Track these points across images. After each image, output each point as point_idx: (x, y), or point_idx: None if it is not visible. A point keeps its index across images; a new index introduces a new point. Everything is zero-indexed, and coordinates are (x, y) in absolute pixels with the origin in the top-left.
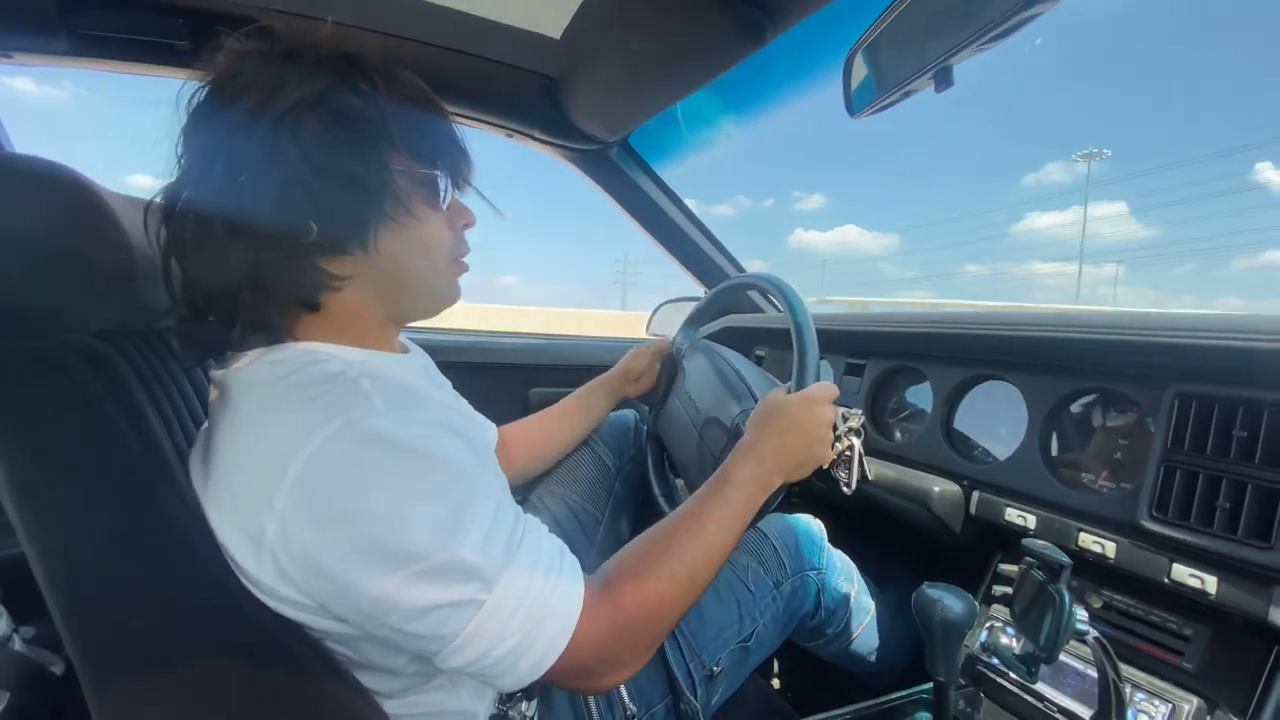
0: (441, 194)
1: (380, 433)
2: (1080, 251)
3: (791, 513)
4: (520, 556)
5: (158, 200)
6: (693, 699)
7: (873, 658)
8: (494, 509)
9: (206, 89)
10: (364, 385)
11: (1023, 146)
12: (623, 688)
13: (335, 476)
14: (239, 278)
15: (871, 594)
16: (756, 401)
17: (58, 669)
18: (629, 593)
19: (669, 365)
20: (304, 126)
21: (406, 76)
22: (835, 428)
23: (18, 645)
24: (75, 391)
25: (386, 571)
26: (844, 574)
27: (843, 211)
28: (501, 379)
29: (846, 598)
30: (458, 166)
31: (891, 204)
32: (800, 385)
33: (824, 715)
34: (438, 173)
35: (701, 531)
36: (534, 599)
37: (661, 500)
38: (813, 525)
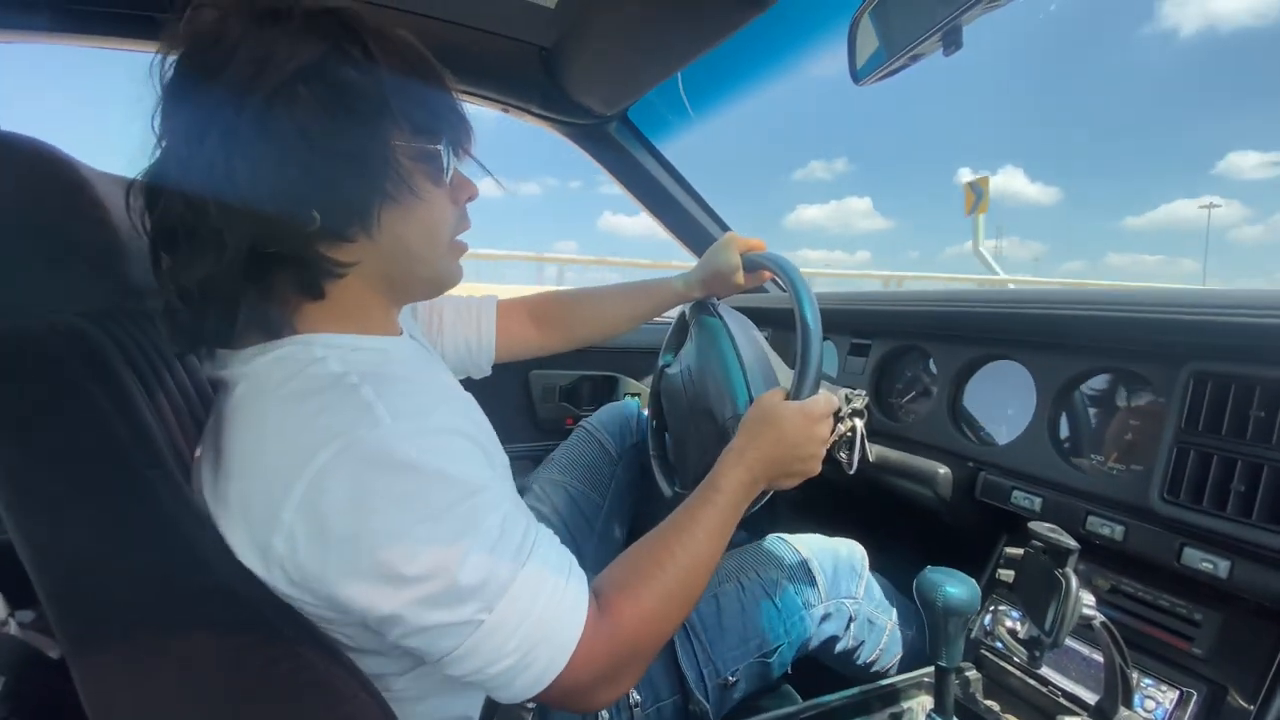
0: (445, 168)
1: (383, 452)
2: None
3: (826, 531)
4: (525, 574)
5: (140, 182)
6: (703, 700)
7: (894, 671)
8: (499, 523)
9: (185, 57)
10: (366, 395)
11: (793, 147)
12: None
13: (338, 500)
14: (236, 268)
15: (910, 620)
16: (752, 400)
17: (54, 653)
18: (626, 609)
19: (679, 324)
20: (299, 102)
21: (401, 37)
22: (838, 410)
23: (14, 629)
24: (58, 375)
25: (389, 593)
26: (882, 606)
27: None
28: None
29: (882, 629)
30: (458, 136)
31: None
32: (799, 394)
33: (826, 698)
34: (440, 146)
35: (692, 541)
36: (535, 619)
37: (662, 480)
38: (855, 551)
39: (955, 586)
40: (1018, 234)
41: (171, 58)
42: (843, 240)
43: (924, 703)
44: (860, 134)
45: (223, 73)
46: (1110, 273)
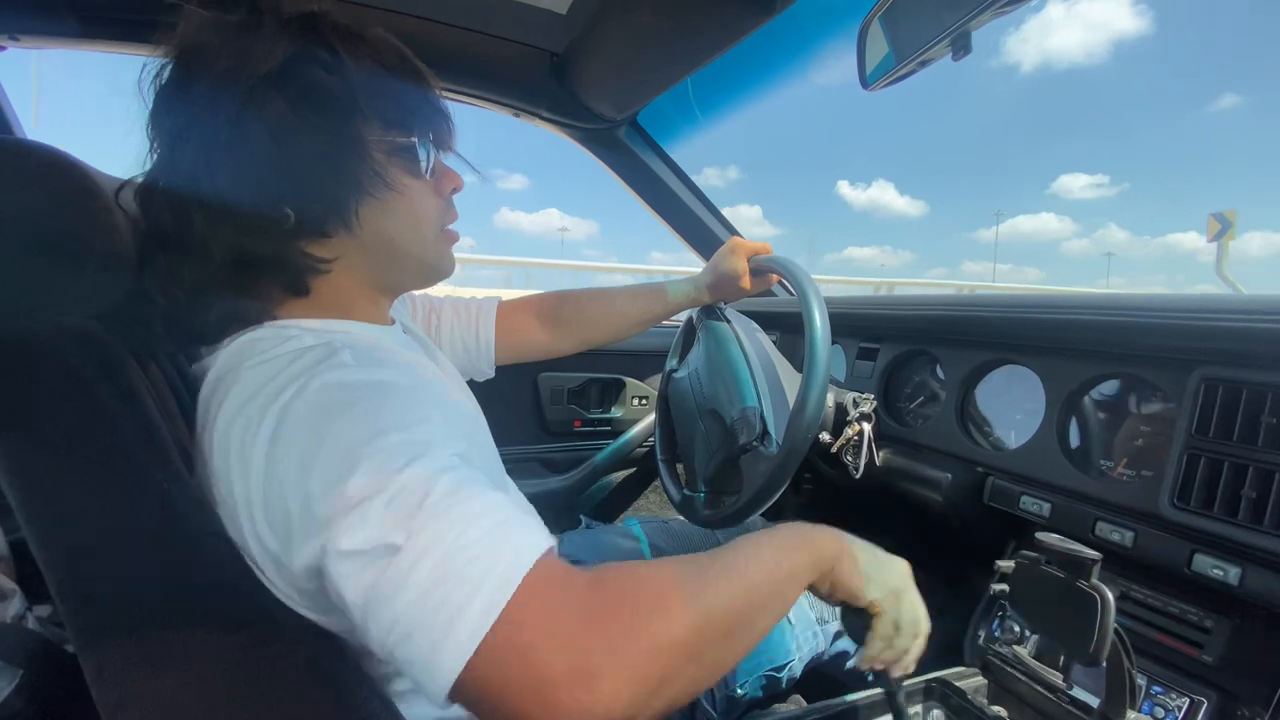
0: (422, 161)
1: (344, 380)
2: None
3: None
4: (460, 504)
5: (136, 186)
6: (710, 709)
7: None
8: (448, 458)
9: (172, 64)
10: (336, 346)
11: (691, 152)
12: None
13: (299, 422)
14: (221, 272)
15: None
16: (759, 404)
17: (71, 647)
18: (624, 583)
19: (687, 329)
20: (269, 105)
21: (375, 36)
22: (847, 412)
23: (31, 624)
24: (68, 375)
25: (331, 516)
26: None
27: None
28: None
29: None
30: (437, 130)
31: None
32: (806, 399)
33: (830, 701)
34: (415, 139)
35: (744, 569)
36: (459, 550)
37: (670, 485)
38: None
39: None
40: (889, 244)
41: (160, 63)
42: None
43: (931, 707)
44: (750, 143)
45: (202, 79)
46: (968, 278)
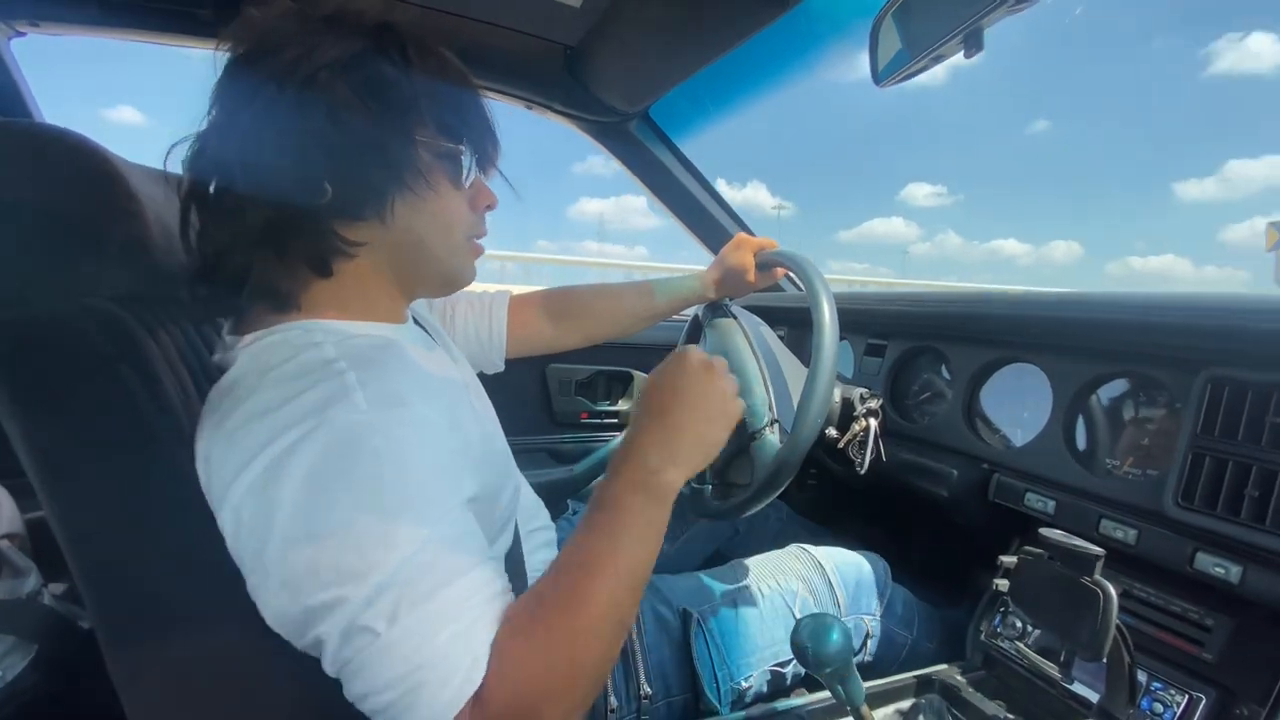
0: (464, 171)
1: (349, 439)
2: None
3: (802, 492)
4: (436, 603)
5: (186, 148)
6: (714, 700)
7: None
8: (438, 545)
9: (240, 48)
10: (349, 380)
11: (573, 142)
12: (640, 668)
13: (294, 478)
14: (254, 235)
15: (932, 633)
16: (768, 397)
17: (85, 623)
18: (523, 659)
19: (693, 325)
20: (334, 88)
21: (442, 52)
22: (853, 408)
23: (47, 600)
24: (89, 354)
25: (314, 587)
26: (902, 621)
27: None
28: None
29: (902, 645)
30: (484, 147)
31: None
32: (811, 394)
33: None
34: (462, 149)
35: (586, 576)
36: (425, 659)
37: None
38: (877, 566)
39: (824, 638)
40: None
41: (228, 49)
42: (624, 235)
43: (932, 700)
44: None
45: (273, 56)
46: (831, 274)
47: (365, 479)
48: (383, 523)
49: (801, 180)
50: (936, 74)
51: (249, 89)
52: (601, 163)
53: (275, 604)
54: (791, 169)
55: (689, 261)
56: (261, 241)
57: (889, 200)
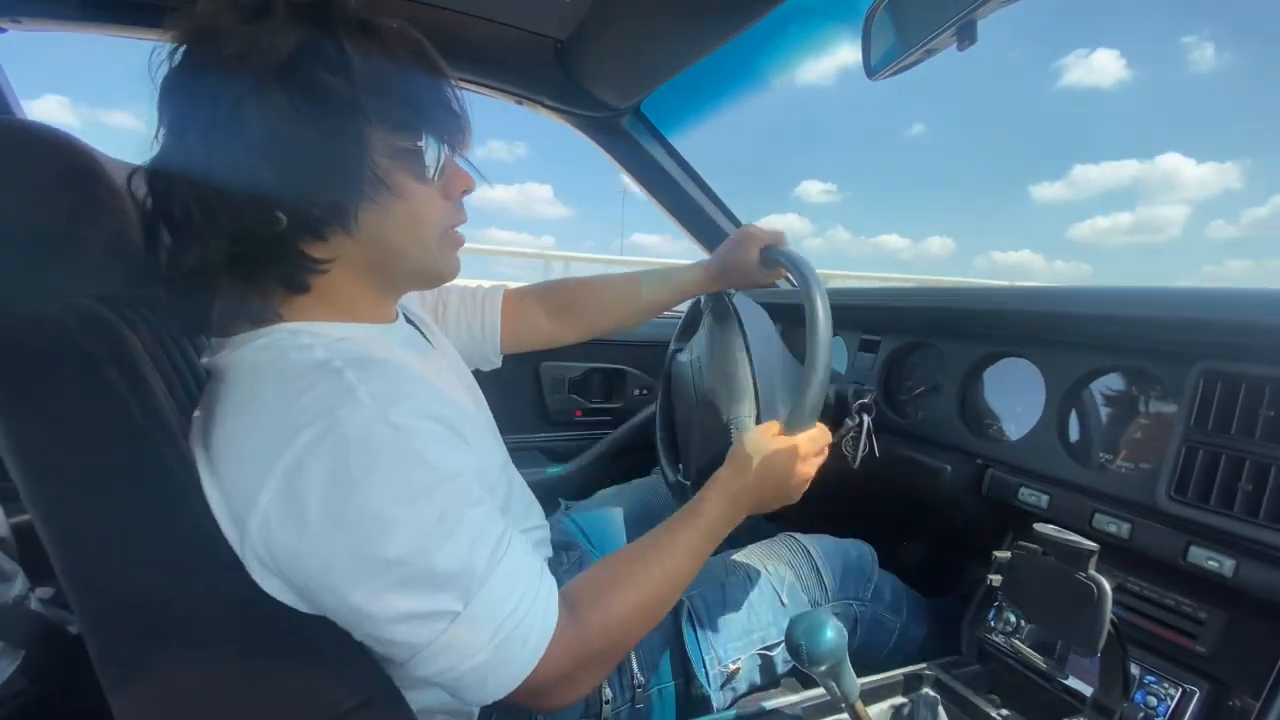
0: (429, 165)
1: (364, 434)
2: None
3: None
4: (500, 571)
5: (144, 171)
6: (704, 685)
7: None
8: (481, 517)
9: (182, 50)
10: (348, 379)
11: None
12: (632, 657)
13: (317, 481)
14: (218, 263)
15: (921, 620)
16: (760, 408)
17: (73, 628)
18: (595, 619)
19: (693, 310)
20: (270, 99)
21: (390, 30)
22: (847, 404)
23: (34, 604)
24: (74, 353)
25: (364, 577)
26: (891, 607)
27: None
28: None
29: (891, 630)
30: (450, 131)
31: None
32: (794, 424)
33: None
34: (423, 144)
35: (670, 559)
36: (509, 617)
37: (666, 466)
38: (865, 553)
39: (818, 636)
40: (670, 232)
41: (171, 48)
42: (529, 224)
43: (925, 696)
44: (536, 121)
45: (208, 67)
46: None
47: (391, 472)
48: (424, 509)
49: (706, 175)
50: (829, 72)
51: (190, 105)
52: (503, 148)
53: (340, 608)
54: (696, 164)
55: (593, 251)
56: (229, 269)
57: (785, 197)
